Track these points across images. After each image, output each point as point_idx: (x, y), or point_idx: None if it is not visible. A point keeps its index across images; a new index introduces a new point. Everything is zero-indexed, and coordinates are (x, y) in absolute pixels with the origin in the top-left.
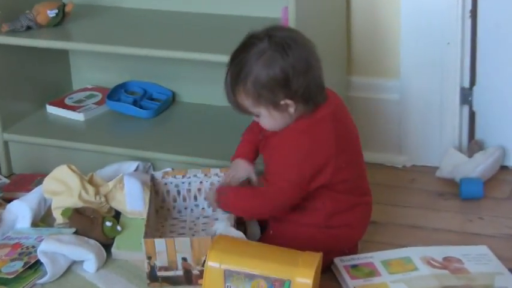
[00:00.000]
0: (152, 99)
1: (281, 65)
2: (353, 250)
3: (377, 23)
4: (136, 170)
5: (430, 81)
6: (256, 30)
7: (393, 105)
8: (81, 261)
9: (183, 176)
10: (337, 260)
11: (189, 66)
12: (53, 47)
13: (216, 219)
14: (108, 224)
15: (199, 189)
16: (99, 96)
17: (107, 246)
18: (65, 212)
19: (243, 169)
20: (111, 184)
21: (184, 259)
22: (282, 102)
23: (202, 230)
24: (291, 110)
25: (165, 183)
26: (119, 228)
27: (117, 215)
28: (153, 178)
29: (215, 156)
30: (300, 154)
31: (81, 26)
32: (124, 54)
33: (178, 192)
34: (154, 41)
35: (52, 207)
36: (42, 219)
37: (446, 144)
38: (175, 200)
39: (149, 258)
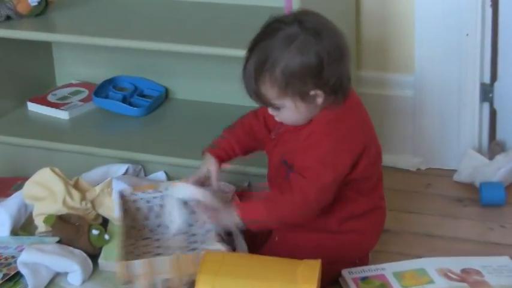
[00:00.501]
0: (143, 96)
1: (316, 50)
2: (364, 261)
3: (389, 13)
4: (125, 173)
5: (447, 76)
6: (280, 15)
7: (407, 102)
8: (65, 273)
9: (155, 191)
10: (345, 272)
11: (184, 60)
12: (35, 39)
13: (193, 234)
14: (94, 232)
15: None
16: (85, 92)
17: (94, 256)
18: (47, 219)
19: (205, 164)
20: (98, 189)
21: (165, 281)
22: (312, 93)
23: (181, 247)
24: (319, 101)
25: (134, 200)
26: (106, 237)
27: (104, 223)
28: (121, 195)
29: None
30: (338, 146)
31: (65, 15)
32: (112, 46)
33: (150, 209)
34: (145, 33)
35: (33, 214)
36: (23, 227)
37: (465, 146)
38: (146, 218)
39: (127, 283)
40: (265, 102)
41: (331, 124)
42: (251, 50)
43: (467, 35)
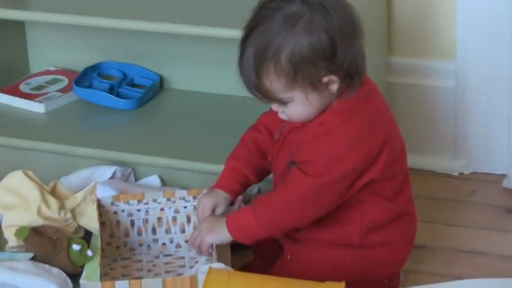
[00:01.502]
0: (134, 86)
1: (326, 28)
2: (394, 281)
3: None
4: (112, 177)
5: (495, 63)
6: None
7: (447, 94)
8: None
9: (139, 202)
10: None
11: (181, 43)
12: (5, 18)
13: (181, 257)
14: (75, 247)
15: (159, 219)
16: (65, 81)
17: (74, 276)
18: (20, 232)
19: (212, 197)
20: (79, 196)
21: None
22: (325, 79)
23: (166, 272)
24: (334, 88)
25: (115, 212)
26: (89, 253)
27: (87, 236)
28: (99, 205)
29: (214, 160)
30: (351, 139)
31: None
32: (97, 27)
33: (132, 223)
34: (136, 11)
35: (3, 225)
36: None
37: None
38: (127, 234)
39: None
40: (270, 98)
41: (347, 113)
42: (247, 38)
43: None
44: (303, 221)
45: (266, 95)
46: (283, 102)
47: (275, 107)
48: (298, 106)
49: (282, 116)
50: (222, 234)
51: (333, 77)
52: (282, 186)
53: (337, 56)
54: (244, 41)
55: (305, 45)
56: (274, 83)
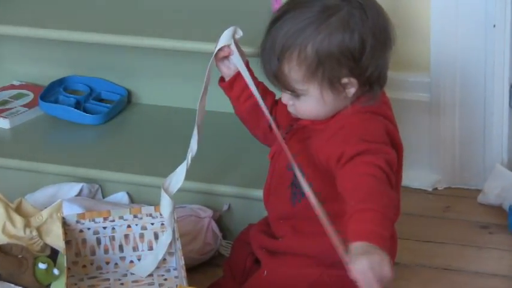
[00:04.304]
0: (101, 100)
1: (360, 28)
2: None
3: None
4: (79, 194)
5: (469, 77)
6: None
7: (421, 108)
8: None
9: (105, 219)
10: None
11: (150, 57)
12: None
13: (151, 275)
14: (41, 266)
15: (126, 236)
16: (30, 96)
17: None
18: None
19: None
20: (45, 213)
21: None
22: (345, 80)
23: None
24: (350, 91)
25: (81, 230)
26: (56, 271)
27: (53, 255)
28: (64, 224)
29: (185, 176)
30: (381, 130)
31: (5, 2)
32: (63, 40)
33: (98, 241)
34: (102, 23)
35: None
36: None
37: (492, 160)
38: (93, 253)
39: None
40: (285, 86)
41: (367, 114)
42: (277, 20)
43: (494, 26)
44: (394, 200)
45: (282, 82)
46: (296, 94)
47: (286, 98)
48: (310, 102)
49: (291, 109)
50: (386, 259)
51: (353, 80)
52: (360, 171)
53: (363, 60)
54: (274, 23)
55: (335, 40)
56: (293, 70)
